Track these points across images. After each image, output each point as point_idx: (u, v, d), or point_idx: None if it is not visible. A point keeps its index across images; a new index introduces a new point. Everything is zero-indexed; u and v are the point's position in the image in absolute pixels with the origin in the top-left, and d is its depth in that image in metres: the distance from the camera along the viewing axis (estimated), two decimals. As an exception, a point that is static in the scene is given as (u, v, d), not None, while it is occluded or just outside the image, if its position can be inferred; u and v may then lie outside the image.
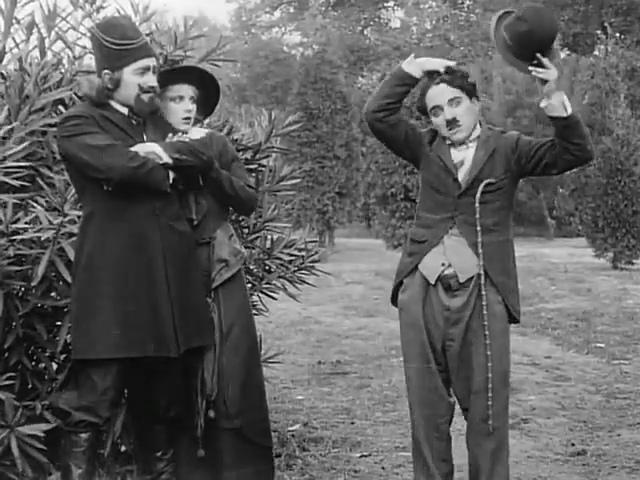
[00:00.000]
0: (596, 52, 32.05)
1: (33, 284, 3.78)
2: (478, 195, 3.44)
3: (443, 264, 3.47)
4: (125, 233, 3.42)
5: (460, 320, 3.46)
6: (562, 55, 28.57)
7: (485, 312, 3.43)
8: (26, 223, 3.76)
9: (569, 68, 25.62)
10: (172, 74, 3.75)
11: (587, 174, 16.47)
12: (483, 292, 3.44)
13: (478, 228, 3.44)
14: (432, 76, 3.47)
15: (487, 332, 3.43)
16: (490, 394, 3.43)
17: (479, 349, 3.45)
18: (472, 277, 3.46)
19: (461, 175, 3.49)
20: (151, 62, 3.47)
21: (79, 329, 3.44)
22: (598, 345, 7.97)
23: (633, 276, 14.03)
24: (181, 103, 3.74)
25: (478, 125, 3.56)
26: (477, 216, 3.44)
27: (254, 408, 3.76)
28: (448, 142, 3.54)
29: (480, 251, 3.43)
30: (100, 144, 3.34)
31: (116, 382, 3.44)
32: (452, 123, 3.46)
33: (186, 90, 3.75)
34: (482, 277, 3.43)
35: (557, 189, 25.61)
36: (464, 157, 3.51)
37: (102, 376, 3.40)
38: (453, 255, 3.46)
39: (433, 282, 3.49)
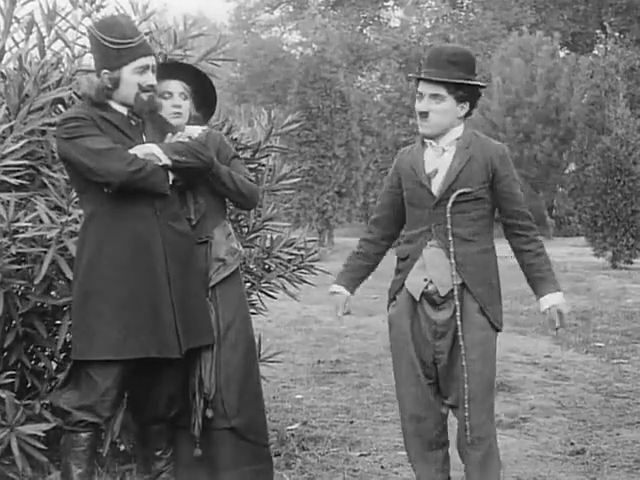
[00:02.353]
0: (595, 51, 32.09)
1: (35, 282, 3.78)
2: (449, 205, 3.40)
3: (425, 279, 3.45)
4: (126, 234, 3.41)
5: (447, 333, 3.44)
6: (562, 54, 28.53)
7: (459, 323, 3.40)
8: (27, 222, 3.75)
9: (568, 67, 25.60)
10: (160, 70, 3.73)
11: (586, 173, 16.48)
12: (456, 302, 3.41)
13: (450, 238, 3.40)
14: None
15: (461, 343, 3.40)
16: (466, 405, 3.40)
17: (460, 360, 3.41)
18: (453, 289, 3.43)
19: (435, 185, 3.43)
20: (150, 61, 3.46)
21: (80, 329, 3.42)
22: (597, 344, 7.96)
23: (632, 275, 14.03)
24: (170, 99, 3.73)
25: (459, 128, 3.47)
26: (449, 226, 3.40)
27: (251, 407, 3.75)
28: (425, 144, 3.50)
29: (452, 261, 3.40)
30: (99, 148, 3.33)
31: (117, 382, 3.42)
32: (422, 116, 3.44)
33: (174, 86, 3.74)
34: (456, 288, 3.40)
35: (556, 188, 25.60)
36: (438, 165, 3.45)
37: (103, 376, 3.38)
38: (432, 269, 3.44)
39: (418, 298, 3.47)
